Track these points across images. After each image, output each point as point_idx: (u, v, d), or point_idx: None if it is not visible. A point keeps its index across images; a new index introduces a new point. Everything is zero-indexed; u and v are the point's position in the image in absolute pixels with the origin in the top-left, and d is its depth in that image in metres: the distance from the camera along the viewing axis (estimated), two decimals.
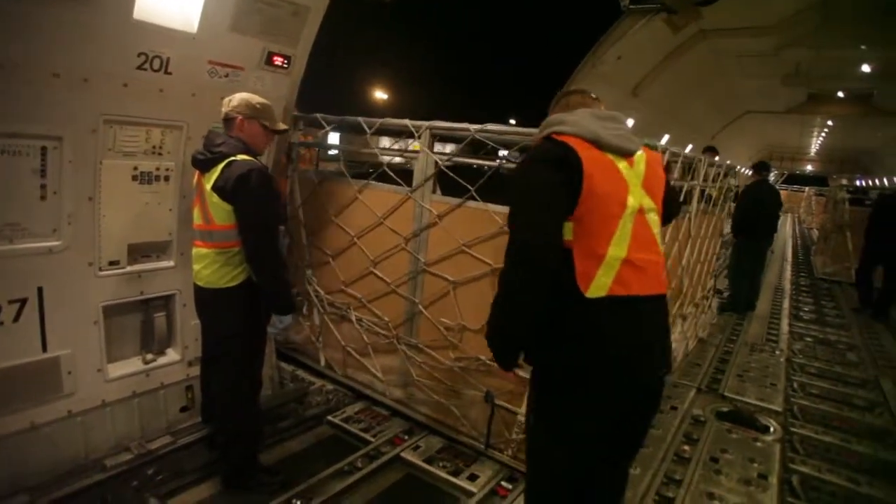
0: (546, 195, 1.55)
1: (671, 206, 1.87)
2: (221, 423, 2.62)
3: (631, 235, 1.61)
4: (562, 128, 1.66)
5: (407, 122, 3.22)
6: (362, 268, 3.43)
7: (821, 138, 19.37)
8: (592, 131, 1.62)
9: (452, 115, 3.20)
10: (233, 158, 2.33)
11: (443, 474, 2.75)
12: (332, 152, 4.87)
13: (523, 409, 2.66)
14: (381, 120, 3.39)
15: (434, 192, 3.16)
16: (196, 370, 2.96)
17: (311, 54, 3.28)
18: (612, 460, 1.81)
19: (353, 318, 3.49)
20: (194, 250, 2.50)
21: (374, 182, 3.39)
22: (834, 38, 7.89)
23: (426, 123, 3.13)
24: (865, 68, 9.43)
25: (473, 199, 2.95)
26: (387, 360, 3.41)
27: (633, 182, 1.65)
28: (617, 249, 1.58)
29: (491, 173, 2.93)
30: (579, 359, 1.59)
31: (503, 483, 2.72)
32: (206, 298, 2.50)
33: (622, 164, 1.65)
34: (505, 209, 2.62)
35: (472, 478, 2.73)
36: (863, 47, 8.33)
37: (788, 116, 14.15)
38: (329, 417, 3.25)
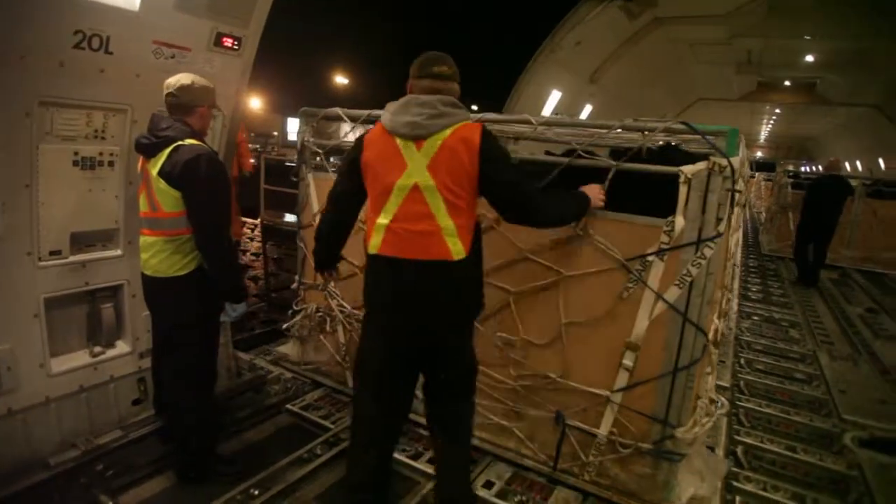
0: (341, 170, 2.23)
1: (491, 186, 1.99)
2: (175, 414, 2.57)
3: (398, 208, 1.97)
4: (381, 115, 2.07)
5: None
6: None
7: (770, 125, 20.19)
8: (387, 119, 2.00)
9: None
10: (180, 143, 2.25)
11: (403, 458, 2.77)
12: (292, 139, 4.71)
13: (602, 429, 2.52)
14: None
15: None
16: (148, 362, 2.87)
17: (264, 37, 3.19)
18: (399, 373, 2.19)
19: None
20: (142, 239, 2.42)
21: None
22: (781, 28, 8.21)
23: (475, 117, 2.66)
24: (809, 58, 9.86)
25: None
26: None
27: (415, 163, 1.94)
28: (384, 218, 1.99)
29: (560, 170, 2.54)
30: (366, 295, 2.15)
31: None
32: (155, 288, 2.42)
33: (408, 148, 1.95)
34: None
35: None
36: (807, 38, 8.67)
37: (740, 104, 14.68)
38: (288, 406, 3.23)
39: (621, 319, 2.43)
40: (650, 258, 2.34)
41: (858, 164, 18.54)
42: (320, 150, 3.40)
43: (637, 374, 2.43)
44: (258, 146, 17.11)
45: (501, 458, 2.78)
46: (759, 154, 30.86)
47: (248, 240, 8.70)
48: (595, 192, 2.37)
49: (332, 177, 3.21)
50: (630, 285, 2.39)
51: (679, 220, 2.25)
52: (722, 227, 2.25)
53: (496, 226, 2.68)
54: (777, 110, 16.96)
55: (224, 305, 2.49)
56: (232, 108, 3.22)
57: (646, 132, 2.42)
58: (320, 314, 3.43)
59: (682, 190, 2.23)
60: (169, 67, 2.67)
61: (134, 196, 2.62)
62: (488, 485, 2.62)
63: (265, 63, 3.28)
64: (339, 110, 3.25)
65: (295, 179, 3.51)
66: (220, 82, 2.91)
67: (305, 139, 3.40)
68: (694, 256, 2.26)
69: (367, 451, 2.23)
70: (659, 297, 2.33)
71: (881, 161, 15.42)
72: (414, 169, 1.94)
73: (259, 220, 7.90)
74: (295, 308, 3.56)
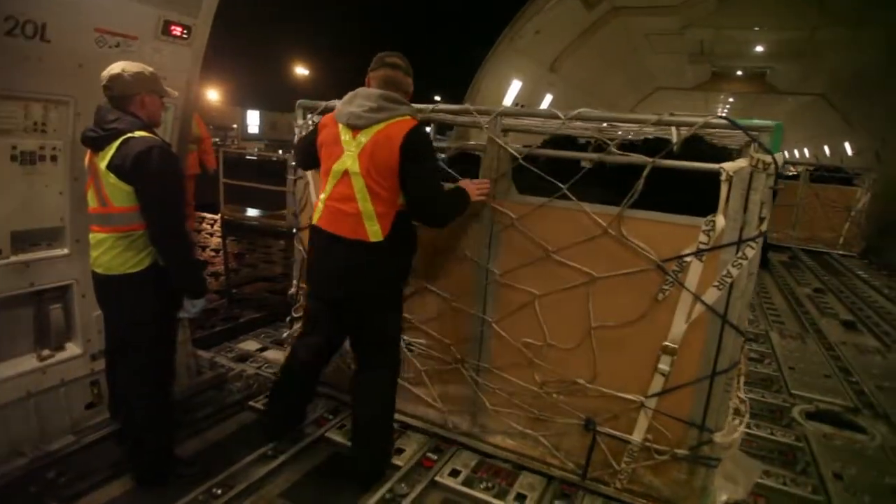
0: (299, 147, 2.67)
1: (405, 181, 2.22)
2: (131, 417, 2.49)
3: (333, 188, 2.27)
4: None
5: (469, 107, 2.70)
6: (414, 284, 2.87)
7: (724, 113, 20.80)
8: (337, 110, 2.29)
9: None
10: (130, 135, 2.16)
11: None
12: (252, 131, 4.54)
13: (636, 435, 2.45)
14: (430, 106, 2.77)
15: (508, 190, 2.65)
16: (102, 364, 2.77)
17: (223, 29, 3.08)
18: (328, 323, 2.55)
19: (402, 341, 2.93)
20: (91, 235, 2.32)
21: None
22: (731, 18, 8.45)
23: (497, 109, 2.60)
24: (759, 49, 10.19)
25: (562, 197, 2.46)
26: (447, 388, 2.93)
27: (350, 150, 2.22)
28: (323, 195, 2.33)
29: (589, 169, 2.43)
30: (307, 256, 2.55)
31: None
32: (107, 286, 2.33)
33: (347, 136, 2.23)
34: (607, 209, 2.37)
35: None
36: (756, 29, 8.96)
37: (695, 93, 15.06)
38: (251, 403, 3.18)
39: (656, 322, 2.34)
40: (688, 259, 2.24)
41: (806, 150, 19.35)
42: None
43: (673, 379, 2.34)
44: (217, 139, 16.66)
45: (526, 467, 2.68)
46: (715, 142, 31.76)
47: (207, 235, 8.47)
48: (472, 188, 2.48)
49: None
50: (666, 287, 2.30)
51: (720, 220, 2.15)
52: (764, 227, 2.16)
53: (518, 225, 2.56)
54: (730, 99, 17.49)
55: (182, 302, 2.42)
56: (184, 100, 3.11)
57: (681, 127, 2.26)
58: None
59: (724, 188, 2.13)
60: (114, 57, 2.54)
61: (81, 192, 2.50)
62: (454, 473, 2.65)
63: (223, 55, 3.17)
64: (339, 103, 2.99)
65: (292, 178, 3.28)
66: (171, 72, 2.80)
67: (303, 134, 3.08)
68: (735, 257, 2.17)
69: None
70: (697, 298, 2.24)
71: (826, 148, 16.13)
72: (347, 155, 2.23)
73: (219, 214, 7.71)
74: (294, 315, 3.31)
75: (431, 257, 2.80)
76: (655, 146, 2.32)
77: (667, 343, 2.31)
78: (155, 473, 2.43)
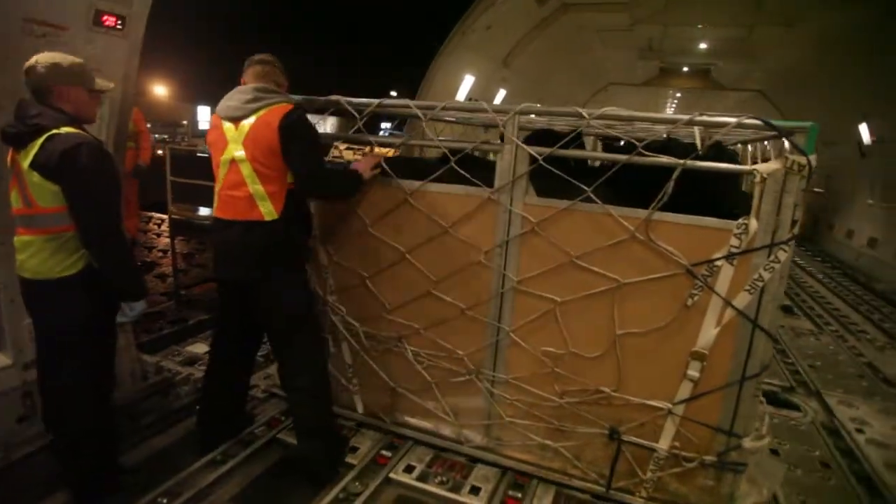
0: None
1: (288, 160, 2.39)
2: (68, 428, 2.37)
3: (224, 178, 2.43)
4: None
5: (484, 104, 2.52)
6: (417, 289, 2.75)
7: (672, 108, 21.48)
8: (219, 107, 2.47)
9: (325, 89, 3.01)
10: (55, 132, 2.04)
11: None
12: (204, 127, 4.35)
13: (662, 443, 2.41)
14: (441, 104, 2.64)
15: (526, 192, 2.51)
16: (34, 374, 2.62)
17: (170, 22, 2.94)
18: (235, 313, 2.68)
19: (409, 352, 2.85)
20: (16, 238, 2.18)
21: (432, 183, 2.65)
22: (677, 16, 8.72)
23: (516, 108, 2.44)
24: (703, 46, 10.57)
25: (585, 200, 2.36)
26: (459, 399, 2.81)
27: (234, 140, 2.39)
28: (217, 186, 2.48)
29: (614, 170, 2.33)
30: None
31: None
32: (36, 292, 2.20)
33: (229, 128, 2.41)
34: (632, 211, 2.29)
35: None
36: (699, 26, 9.28)
37: (645, 88, 15.46)
38: (199, 407, 3.08)
39: (684, 328, 2.30)
40: (718, 263, 2.20)
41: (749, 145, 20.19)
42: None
43: (702, 385, 2.31)
44: (166, 136, 16.01)
45: (545, 479, 2.62)
46: (664, 136, 32.79)
47: (154, 235, 8.16)
48: (363, 165, 2.66)
49: None
50: (695, 292, 2.25)
51: (753, 223, 2.12)
52: (797, 230, 2.11)
53: (537, 229, 2.46)
54: (678, 94, 18.06)
55: (120, 305, 2.32)
56: (121, 94, 2.98)
57: (712, 127, 2.20)
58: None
59: (756, 190, 2.09)
60: (42, 48, 2.40)
61: (4, 192, 2.35)
62: (409, 469, 2.65)
63: (171, 50, 3.04)
64: (341, 99, 2.77)
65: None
66: (106, 65, 2.69)
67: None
68: (766, 260, 2.14)
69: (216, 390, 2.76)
70: (728, 303, 2.21)
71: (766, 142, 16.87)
72: (232, 145, 2.40)
73: (168, 214, 7.42)
74: None
75: (441, 264, 2.68)
76: (655, 147, 2.26)
77: (697, 349, 2.28)
78: (95, 486, 2.32)
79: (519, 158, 2.46)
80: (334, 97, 2.78)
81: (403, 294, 2.79)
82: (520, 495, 2.53)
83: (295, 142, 2.37)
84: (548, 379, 2.57)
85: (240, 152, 2.38)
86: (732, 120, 2.13)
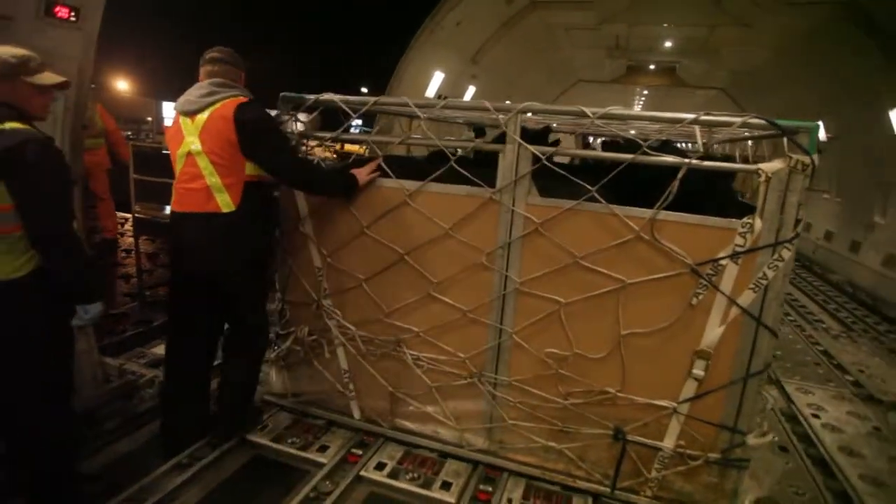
0: None
1: (251, 147, 2.43)
2: (21, 435, 2.28)
3: (181, 171, 2.47)
4: None
5: (486, 103, 2.47)
6: (416, 292, 2.71)
7: (639, 106, 21.88)
8: (177, 102, 2.49)
9: (289, 85, 2.95)
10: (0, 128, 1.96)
11: (292, 450, 2.72)
12: (169, 124, 4.23)
13: (667, 442, 2.43)
14: (442, 101, 2.61)
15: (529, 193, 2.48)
16: None
17: (133, 15, 2.86)
18: (192, 308, 2.68)
19: (408, 356, 2.81)
20: None
21: (432, 183, 2.60)
22: (642, 15, 8.87)
23: (517, 106, 2.41)
24: (668, 44, 10.79)
25: (587, 200, 2.35)
26: (460, 403, 2.78)
27: (190, 134, 2.43)
28: (175, 181, 2.51)
29: (619, 170, 2.31)
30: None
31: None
32: None
33: (186, 122, 2.45)
34: (639, 211, 2.29)
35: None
36: (665, 25, 9.47)
37: (613, 85, 15.69)
38: (163, 416, 3.01)
39: (688, 327, 2.32)
40: (723, 262, 2.21)
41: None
42: (308, 144, 2.92)
43: (706, 383, 2.33)
44: (129, 133, 15.52)
45: (549, 481, 2.61)
46: (632, 132, 33.41)
47: (118, 235, 7.92)
48: (363, 174, 2.66)
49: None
50: (700, 291, 2.27)
51: (757, 222, 2.14)
52: (800, 228, 2.14)
53: (541, 229, 2.43)
54: (645, 92, 18.40)
55: (75, 308, 2.24)
56: (77, 89, 2.88)
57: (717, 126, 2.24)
58: (314, 338, 2.97)
59: (761, 189, 2.12)
60: None
61: None
62: (380, 466, 2.65)
63: (134, 43, 2.96)
64: (334, 97, 2.71)
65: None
66: (59, 58, 2.60)
67: (288, 131, 2.82)
68: (771, 259, 2.17)
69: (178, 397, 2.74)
70: (733, 302, 2.24)
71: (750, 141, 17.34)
72: (189, 138, 2.43)
73: (131, 213, 7.21)
74: (280, 332, 3.05)
75: (441, 266, 2.65)
76: (635, 146, 2.27)
77: (701, 348, 2.30)
78: (52, 495, 2.25)
79: (521, 158, 2.43)
80: (326, 95, 2.73)
81: (402, 297, 2.74)
82: (491, 489, 2.56)
83: (259, 138, 2.41)
84: (551, 380, 2.56)
85: (196, 145, 2.42)
86: (737, 119, 2.17)
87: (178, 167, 2.49)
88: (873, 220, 7.71)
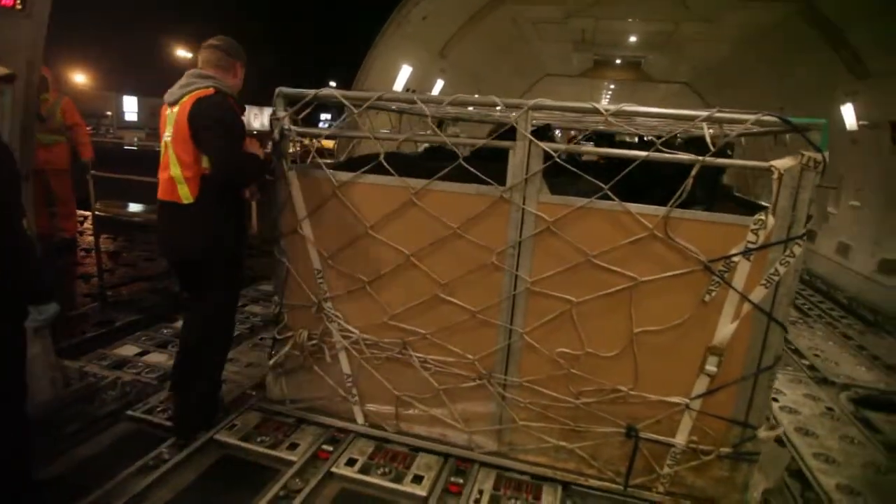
0: None
1: (198, 139, 2.48)
2: None
3: (161, 160, 2.58)
4: None
5: (496, 99, 2.42)
6: (423, 293, 2.68)
7: (607, 99, 22.19)
8: (168, 92, 2.57)
9: (254, 78, 2.90)
10: None
11: (261, 449, 2.69)
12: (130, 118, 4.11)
13: (679, 438, 2.46)
14: (450, 98, 2.54)
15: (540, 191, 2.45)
16: None
17: (92, 6, 2.75)
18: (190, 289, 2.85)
19: (414, 359, 2.77)
20: None
21: (438, 181, 2.55)
22: (608, 10, 8.97)
23: (528, 103, 2.38)
24: (633, 39, 10.95)
25: (602, 198, 2.35)
26: (469, 405, 2.76)
27: (168, 124, 2.53)
28: (159, 169, 2.60)
29: (634, 166, 2.30)
30: None
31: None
32: None
33: (168, 112, 2.55)
34: (651, 209, 2.29)
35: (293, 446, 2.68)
36: (629, 20, 9.60)
37: (581, 79, 15.85)
38: (129, 412, 2.96)
39: (700, 324, 2.34)
40: (735, 258, 2.24)
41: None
42: (307, 141, 2.84)
43: (719, 379, 2.36)
44: (89, 128, 14.99)
45: (559, 480, 2.62)
46: (600, 126, 33.83)
47: (77, 233, 7.64)
48: (255, 147, 2.71)
49: (321, 174, 2.71)
50: (713, 288, 2.29)
51: (770, 218, 2.17)
52: (811, 224, 2.18)
53: (553, 228, 2.43)
54: (612, 86, 18.64)
55: (27, 309, 2.16)
56: (25, 82, 2.76)
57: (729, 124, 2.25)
58: (314, 342, 2.92)
59: (774, 186, 2.16)
60: None
61: None
62: (351, 462, 2.65)
63: (93, 34, 2.86)
64: (335, 92, 2.64)
65: (270, 178, 2.85)
66: (5, 49, 2.49)
67: (285, 128, 2.75)
68: (782, 255, 2.20)
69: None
70: (745, 298, 2.26)
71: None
72: (167, 128, 2.54)
73: (91, 211, 6.97)
74: (277, 337, 2.98)
75: (449, 266, 2.62)
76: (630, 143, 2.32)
77: (714, 344, 2.34)
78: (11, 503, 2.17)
79: (533, 155, 2.41)
80: (326, 90, 2.66)
81: (408, 299, 2.71)
82: (462, 481, 2.59)
83: (203, 127, 2.44)
84: (563, 380, 2.57)
85: (168, 136, 2.53)
86: (751, 116, 2.20)
87: (161, 155, 2.61)
88: (828, 211, 8.01)
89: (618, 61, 14.02)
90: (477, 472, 2.65)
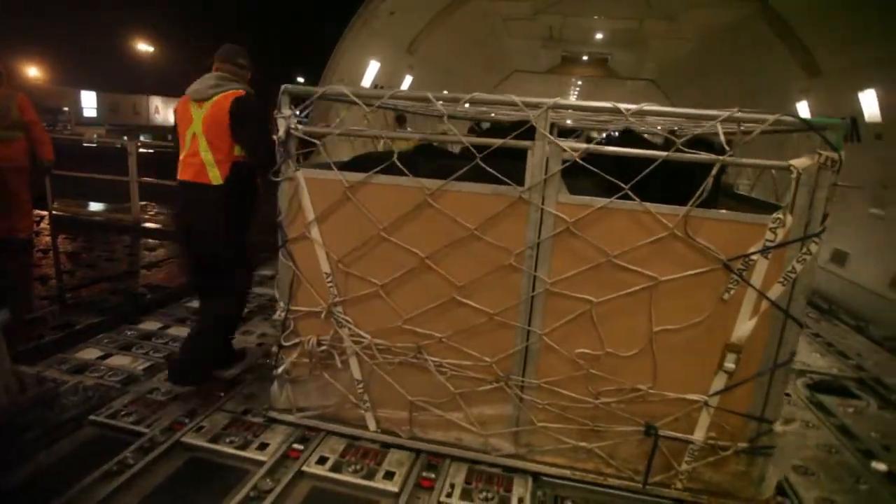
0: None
1: (238, 131, 2.94)
2: None
3: (188, 148, 3.01)
4: None
5: (514, 98, 2.37)
6: (438, 296, 2.59)
7: (574, 96, 22.49)
8: (189, 89, 3.03)
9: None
10: None
11: (230, 450, 2.66)
12: (89, 115, 4.07)
13: (697, 434, 2.46)
14: (468, 95, 2.46)
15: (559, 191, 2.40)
16: None
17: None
18: (200, 266, 3.31)
19: (430, 363, 2.68)
20: None
21: (455, 181, 2.47)
22: (575, 7, 9.11)
23: (548, 102, 2.32)
24: (600, 36, 11.15)
25: (621, 198, 2.31)
26: (486, 408, 2.70)
27: (196, 117, 2.96)
28: (182, 154, 3.05)
29: (655, 166, 2.25)
30: None
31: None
32: None
33: (194, 107, 2.98)
34: (670, 208, 2.28)
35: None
36: (596, 17, 9.76)
37: (549, 76, 16.04)
38: (92, 417, 2.87)
39: (719, 321, 2.35)
40: (754, 257, 2.25)
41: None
42: (317, 140, 2.69)
43: (736, 375, 2.37)
44: (45, 124, 14.40)
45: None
46: (568, 121, 34.34)
47: (33, 234, 7.36)
48: None
49: (332, 175, 2.61)
50: (731, 286, 2.30)
51: (788, 217, 2.19)
52: (828, 222, 2.19)
53: (573, 229, 2.38)
54: (579, 82, 18.91)
55: None
56: None
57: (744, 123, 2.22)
58: (323, 348, 2.82)
59: (791, 185, 2.17)
60: None
61: None
62: (322, 461, 2.64)
63: (50, 27, 2.76)
64: (345, 89, 2.54)
65: (276, 179, 2.71)
66: None
67: (292, 126, 2.62)
68: (800, 253, 2.22)
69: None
70: (764, 296, 2.28)
71: (658, 128, 18.19)
72: (195, 121, 2.97)
73: (48, 210, 6.71)
74: (284, 344, 2.86)
75: (465, 268, 2.55)
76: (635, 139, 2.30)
77: (732, 341, 2.34)
78: None
79: (552, 155, 2.36)
80: (335, 87, 2.59)
81: (423, 302, 2.63)
82: (433, 475, 2.61)
83: (244, 123, 2.91)
84: (581, 380, 2.54)
85: (199, 128, 2.95)
86: (770, 117, 2.20)
87: (185, 143, 3.01)
88: None
89: (585, 58, 14.24)
90: (448, 467, 2.66)
